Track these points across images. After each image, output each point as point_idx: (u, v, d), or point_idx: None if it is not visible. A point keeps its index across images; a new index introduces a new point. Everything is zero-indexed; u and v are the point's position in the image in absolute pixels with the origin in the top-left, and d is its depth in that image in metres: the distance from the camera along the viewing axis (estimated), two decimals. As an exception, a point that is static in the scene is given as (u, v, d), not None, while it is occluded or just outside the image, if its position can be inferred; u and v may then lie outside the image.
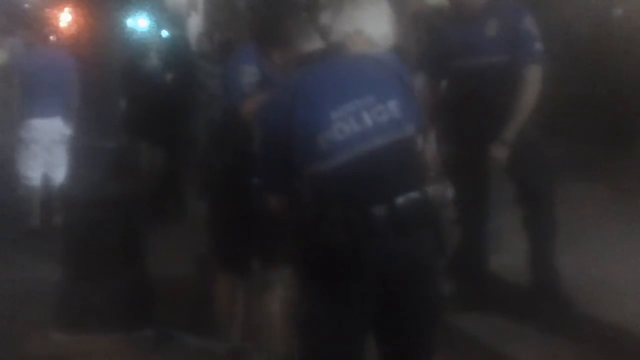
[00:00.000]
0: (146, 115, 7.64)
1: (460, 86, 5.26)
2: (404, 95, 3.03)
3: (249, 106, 3.88)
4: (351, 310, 2.93)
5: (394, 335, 3.05)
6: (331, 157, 2.88)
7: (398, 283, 2.92)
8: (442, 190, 5.37)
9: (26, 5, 10.70)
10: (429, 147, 5.40)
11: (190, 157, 8.07)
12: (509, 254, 5.65)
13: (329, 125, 2.89)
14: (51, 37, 8.09)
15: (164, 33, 8.89)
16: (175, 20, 9.39)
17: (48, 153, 7.78)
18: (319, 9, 3.15)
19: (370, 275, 2.87)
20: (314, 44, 3.06)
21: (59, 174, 7.53)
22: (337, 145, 2.88)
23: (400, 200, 2.88)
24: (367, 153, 2.90)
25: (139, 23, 8.82)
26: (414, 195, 2.92)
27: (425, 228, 2.95)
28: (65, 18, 8.56)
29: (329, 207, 2.88)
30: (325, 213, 2.88)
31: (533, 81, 5.06)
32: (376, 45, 3.18)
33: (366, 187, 2.89)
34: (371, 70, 3.06)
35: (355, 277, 2.87)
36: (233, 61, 4.24)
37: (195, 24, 13.02)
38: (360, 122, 2.91)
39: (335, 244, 2.85)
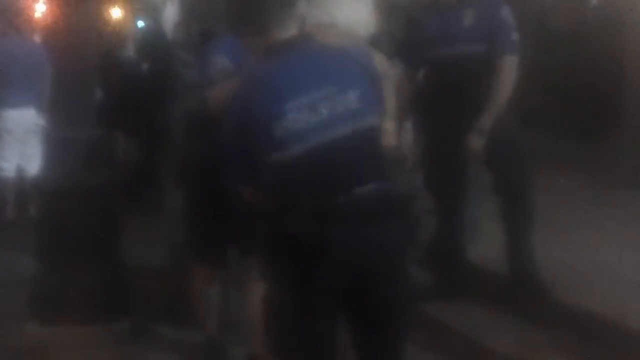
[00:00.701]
0: (122, 105, 7.61)
1: (436, 76, 5.27)
2: (366, 86, 3.05)
3: (214, 96, 3.84)
4: (320, 298, 2.95)
5: (363, 321, 3.07)
6: (289, 147, 2.90)
7: (364, 270, 2.95)
8: (410, 179, 5.38)
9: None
10: (405, 137, 5.40)
11: (166, 148, 8.04)
12: (486, 244, 5.66)
13: (285, 115, 2.90)
14: (25, 27, 8.02)
15: (140, 23, 8.84)
16: (151, 10, 9.35)
17: (22, 144, 7.73)
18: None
19: (336, 263, 2.89)
20: (289, 32, 3.05)
21: (34, 165, 7.47)
22: (294, 136, 2.90)
23: (360, 190, 2.90)
24: (325, 143, 2.91)
25: (115, 12, 8.77)
26: (376, 185, 2.93)
27: (390, 217, 2.96)
28: (39, 8, 8.50)
29: (292, 197, 2.92)
30: (288, 203, 2.91)
31: (509, 71, 5.07)
32: (351, 36, 3.14)
33: (326, 177, 2.91)
34: (335, 61, 3.07)
35: (321, 265, 2.89)
36: (207, 51, 4.21)
37: (171, 13, 12.94)
38: (317, 113, 2.92)
39: (299, 233, 2.87)
